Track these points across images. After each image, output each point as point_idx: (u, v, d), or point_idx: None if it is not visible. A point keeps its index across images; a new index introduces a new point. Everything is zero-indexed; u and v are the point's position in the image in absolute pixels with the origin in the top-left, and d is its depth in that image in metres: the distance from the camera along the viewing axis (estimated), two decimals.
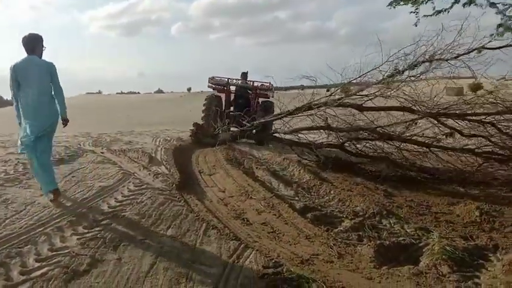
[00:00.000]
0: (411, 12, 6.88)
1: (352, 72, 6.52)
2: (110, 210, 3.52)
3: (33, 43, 3.93)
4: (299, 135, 7.07)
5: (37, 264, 2.47)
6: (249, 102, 9.35)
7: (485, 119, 5.56)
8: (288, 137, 7.17)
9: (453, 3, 6.58)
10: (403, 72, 6.36)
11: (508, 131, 5.46)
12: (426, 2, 6.76)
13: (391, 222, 3.65)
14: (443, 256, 2.76)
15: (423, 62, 6.13)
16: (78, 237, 2.89)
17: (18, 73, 3.84)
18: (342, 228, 3.49)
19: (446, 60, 5.95)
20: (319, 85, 7.24)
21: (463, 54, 5.80)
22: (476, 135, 5.68)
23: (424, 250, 2.97)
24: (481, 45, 5.69)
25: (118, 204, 3.71)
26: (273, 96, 9.35)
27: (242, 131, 7.81)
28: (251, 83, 9.65)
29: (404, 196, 4.73)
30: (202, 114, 9.03)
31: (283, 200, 4.24)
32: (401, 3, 6.78)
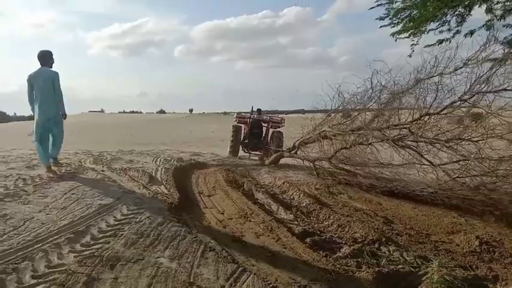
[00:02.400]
0: (412, 44, 7.17)
1: (350, 98, 7.59)
2: (108, 228, 3.51)
3: (44, 57, 5.58)
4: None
5: (33, 281, 2.45)
6: (261, 132, 11.69)
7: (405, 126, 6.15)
8: (298, 152, 8.65)
9: (454, 33, 6.82)
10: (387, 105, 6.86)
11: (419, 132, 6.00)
12: (427, 32, 7.02)
13: (390, 249, 3.62)
14: (442, 285, 2.74)
15: (391, 97, 6.59)
16: (75, 254, 2.88)
17: (31, 80, 5.49)
18: (340, 254, 3.47)
19: (398, 94, 6.38)
20: (319, 110, 8.39)
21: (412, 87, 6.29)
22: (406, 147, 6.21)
23: (423, 279, 2.95)
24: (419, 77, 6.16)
25: (116, 222, 3.69)
26: (282, 126, 11.45)
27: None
28: (268, 116, 11.88)
29: (404, 223, 4.70)
30: (231, 138, 11.47)
31: (282, 223, 4.22)
32: (402, 35, 7.11)
